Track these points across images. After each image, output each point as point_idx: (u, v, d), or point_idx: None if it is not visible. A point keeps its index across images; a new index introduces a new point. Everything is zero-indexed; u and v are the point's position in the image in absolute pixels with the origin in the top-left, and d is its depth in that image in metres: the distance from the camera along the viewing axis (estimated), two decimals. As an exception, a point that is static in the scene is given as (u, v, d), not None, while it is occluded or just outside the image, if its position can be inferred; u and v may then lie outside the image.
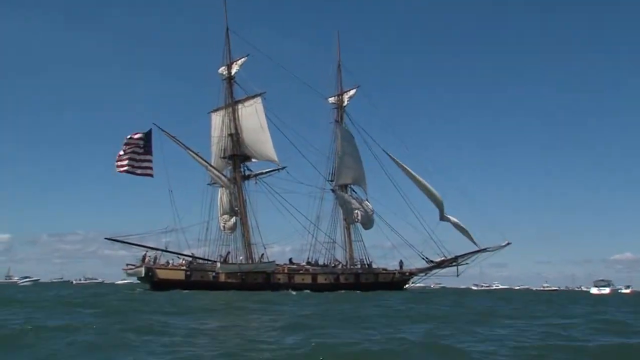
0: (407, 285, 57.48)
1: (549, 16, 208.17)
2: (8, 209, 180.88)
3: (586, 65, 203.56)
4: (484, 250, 54.26)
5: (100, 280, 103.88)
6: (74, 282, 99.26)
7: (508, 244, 54.11)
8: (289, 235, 55.38)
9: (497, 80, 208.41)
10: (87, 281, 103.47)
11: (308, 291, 47.27)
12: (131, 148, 46.40)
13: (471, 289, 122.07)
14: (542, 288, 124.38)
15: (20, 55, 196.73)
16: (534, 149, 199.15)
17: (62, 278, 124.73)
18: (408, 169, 55.59)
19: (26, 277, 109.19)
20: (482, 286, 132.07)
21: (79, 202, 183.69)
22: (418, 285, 73.99)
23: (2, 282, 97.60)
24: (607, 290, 70.56)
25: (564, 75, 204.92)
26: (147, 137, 47.34)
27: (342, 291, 48.29)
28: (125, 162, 46.08)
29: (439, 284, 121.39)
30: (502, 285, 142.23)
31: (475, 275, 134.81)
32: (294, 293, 42.18)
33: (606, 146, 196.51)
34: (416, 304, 28.19)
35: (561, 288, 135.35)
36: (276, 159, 53.04)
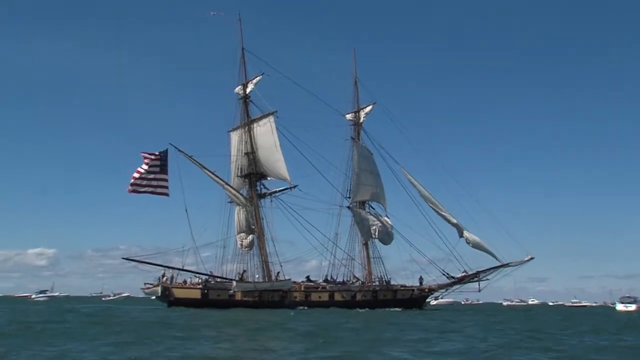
0: (433, 301, 56.36)
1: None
2: (54, 223, 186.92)
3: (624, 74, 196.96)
4: (507, 265, 52.88)
5: (127, 294, 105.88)
6: (103, 299, 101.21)
7: (531, 258, 52.66)
8: (307, 253, 54.97)
9: (526, 88, 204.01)
10: (116, 296, 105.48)
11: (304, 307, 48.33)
12: (146, 168, 47.06)
13: (502, 304, 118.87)
14: (571, 303, 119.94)
15: (44, 76, 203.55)
16: (576, 163, 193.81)
17: (101, 292, 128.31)
18: (422, 188, 54.79)
19: (42, 292, 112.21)
20: (514, 301, 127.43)
21: (123, 218, 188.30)
22: (446, 300, 72.57)
23: (37, 299, 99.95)
24: (632, 307, 67.45)
25: (598, 83, 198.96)
26: (163, 156, 48.00)
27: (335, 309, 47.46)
28: (137, 182, 46.77)
29: (478, 300, 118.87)
30: (537, 300, 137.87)
31: (511, 290, 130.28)
32: (292, 313, 40.10)
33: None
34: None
35: (598, 303, 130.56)
36: (288, 177, 53.11)
